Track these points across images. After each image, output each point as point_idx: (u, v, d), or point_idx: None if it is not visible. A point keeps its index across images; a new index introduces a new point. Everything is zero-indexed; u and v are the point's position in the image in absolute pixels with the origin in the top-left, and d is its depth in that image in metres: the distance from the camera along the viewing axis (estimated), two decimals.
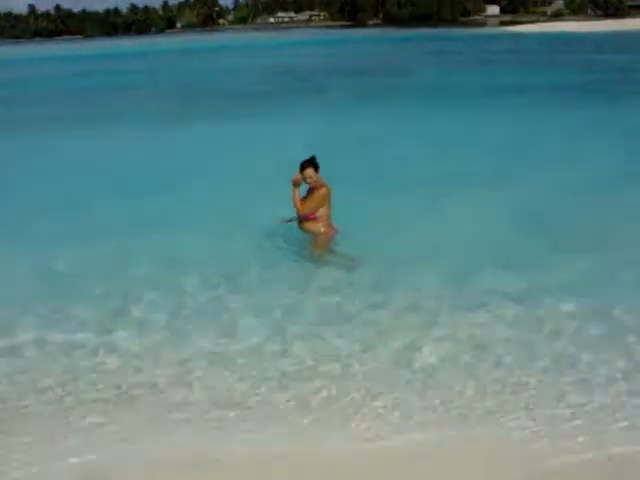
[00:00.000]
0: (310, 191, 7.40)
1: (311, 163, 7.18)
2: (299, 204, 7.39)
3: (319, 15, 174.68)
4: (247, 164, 12.50)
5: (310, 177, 7.16)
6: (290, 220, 7.82)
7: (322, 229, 7.52)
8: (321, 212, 7.41)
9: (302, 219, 7.52)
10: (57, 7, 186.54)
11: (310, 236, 7.62)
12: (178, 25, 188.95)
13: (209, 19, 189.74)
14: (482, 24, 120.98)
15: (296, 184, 7.30)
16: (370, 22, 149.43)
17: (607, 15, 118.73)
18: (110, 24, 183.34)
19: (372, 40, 77.18)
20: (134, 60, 55.13)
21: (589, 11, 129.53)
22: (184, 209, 9.75)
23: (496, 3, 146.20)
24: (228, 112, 20.89)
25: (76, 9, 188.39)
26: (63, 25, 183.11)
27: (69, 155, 14.60)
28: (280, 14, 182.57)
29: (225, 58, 52.18)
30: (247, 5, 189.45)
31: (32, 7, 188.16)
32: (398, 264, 7.18)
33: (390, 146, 13.85)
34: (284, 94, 25.72)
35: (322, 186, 7.28)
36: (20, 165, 13.72)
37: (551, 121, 16.43)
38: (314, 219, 7.45)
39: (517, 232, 8.22)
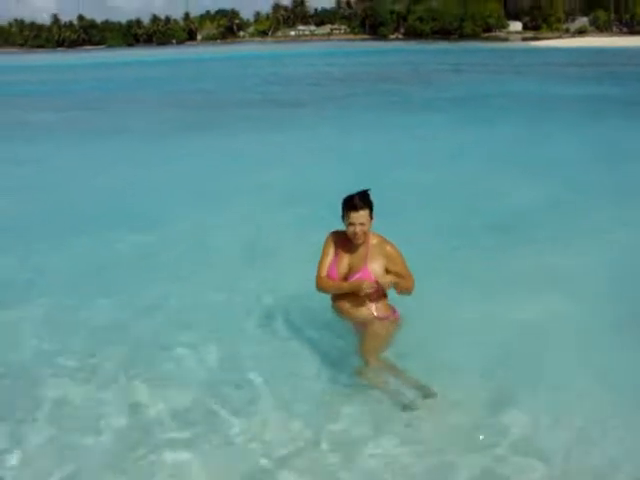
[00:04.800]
0: (353, 249, 4.78)
1: (367, 201, 4.64)
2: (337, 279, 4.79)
3: (340, 29, 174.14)
4: (269, 190, 10.58)
5: (363, 225, 4.60)
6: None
7: (374, 313, 4.79)
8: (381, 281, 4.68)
9: (338, 293, 4.83)
10: (80, 17, 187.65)
11: (351, 324, 4.93)
12: (199, 37, 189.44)
13: (230, 31, 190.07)
14: (504, 39, 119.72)
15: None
16: (391, 36, 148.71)
17: (632, 32, 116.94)
18: (131, 35, 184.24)
19: (399, 51, 76.12)
20: (150, 68, 54.51)
21: (614, 28, 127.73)
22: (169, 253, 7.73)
23: (518, 19, 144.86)
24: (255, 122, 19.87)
25: (99, 19, 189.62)
26: (85, 35, 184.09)
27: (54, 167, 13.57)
28: (301, 27, 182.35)
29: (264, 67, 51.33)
30: (268, 18, 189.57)
31: (55, 17, 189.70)
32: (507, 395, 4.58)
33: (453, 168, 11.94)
34: (307, 102, 24.74)
35: (383, 241, 4.78)
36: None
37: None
38: (372, 294, 4.68)
39: None
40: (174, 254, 7.74)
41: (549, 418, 4.31)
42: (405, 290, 4.76)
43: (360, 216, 4.56)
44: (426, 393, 4.53)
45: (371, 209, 4.64)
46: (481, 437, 4.14)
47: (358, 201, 4.57)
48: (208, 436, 4.20)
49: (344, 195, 4.68)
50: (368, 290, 4.61)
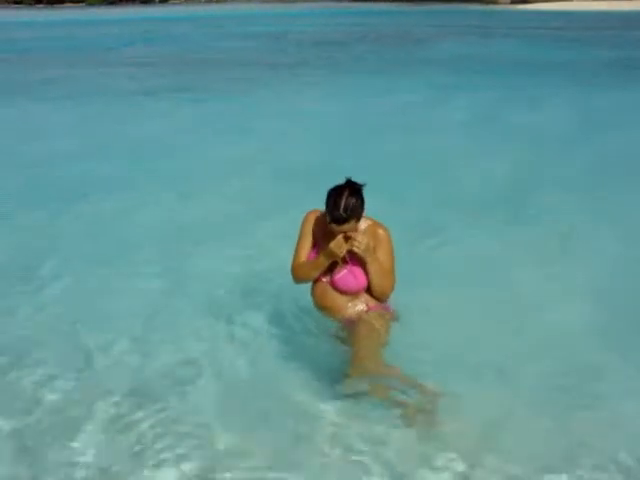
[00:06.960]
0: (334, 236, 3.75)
1: (354, 210, 3.60)
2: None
3: None
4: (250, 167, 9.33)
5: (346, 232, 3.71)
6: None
7: (365, 306, 3.92)
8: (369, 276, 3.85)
9: (325, 287, 3.91)
10: None
11: (339, 322, 3.98)
12: None
13: None
14: (493, 2, 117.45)
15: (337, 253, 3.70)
16: None
17: None
18: None
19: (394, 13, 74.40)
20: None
21: None
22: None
23: None
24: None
25: None
26: None
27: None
28: None
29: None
30: None
31: None
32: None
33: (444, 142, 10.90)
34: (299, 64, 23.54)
35: (374, 224, 3.86)
36: None
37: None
38: (359, 289, 3.88)
39: None
40: (129, 230, 6.74)
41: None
42: (379, 281, 3.81)
43: (343, 229, 3.62)
44: (432, 397, 3.70)
45: (359, 216, 3.67)
46: None
47: (342, 213, 3.55)
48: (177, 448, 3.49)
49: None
50: (341, 248, 3.65)
